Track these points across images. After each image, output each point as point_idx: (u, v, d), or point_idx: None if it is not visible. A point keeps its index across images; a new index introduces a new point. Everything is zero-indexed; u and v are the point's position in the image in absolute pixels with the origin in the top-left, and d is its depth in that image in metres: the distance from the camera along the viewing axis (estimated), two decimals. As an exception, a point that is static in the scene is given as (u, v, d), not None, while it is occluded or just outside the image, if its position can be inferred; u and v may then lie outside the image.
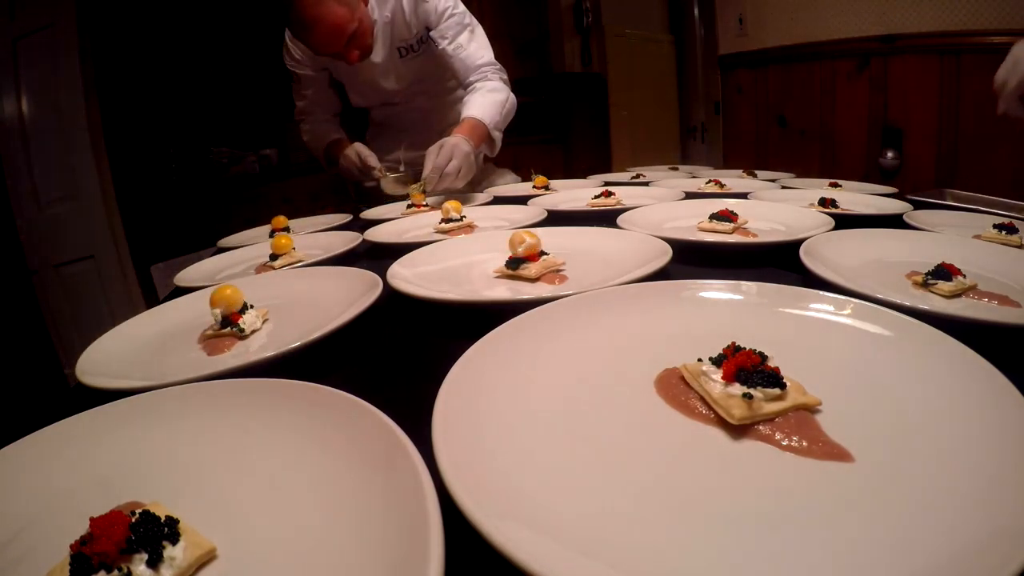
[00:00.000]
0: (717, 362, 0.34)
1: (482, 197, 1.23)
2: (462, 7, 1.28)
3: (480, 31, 1.32)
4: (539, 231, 0.63)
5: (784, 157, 2.66)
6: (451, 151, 1.12)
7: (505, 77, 1.32)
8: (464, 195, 1.24)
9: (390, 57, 1.29)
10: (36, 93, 2.14)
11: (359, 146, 1.33)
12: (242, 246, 1.00)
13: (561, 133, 3.28)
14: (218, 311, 0.53)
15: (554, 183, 1.33)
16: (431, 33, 1.26)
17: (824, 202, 0.88)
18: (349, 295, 0.56)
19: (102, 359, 0.49)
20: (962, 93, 1.96)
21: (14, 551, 0.26)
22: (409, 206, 1.13)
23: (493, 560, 0.20)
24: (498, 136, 1.27)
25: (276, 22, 1.20)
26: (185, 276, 0.82)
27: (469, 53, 1.27)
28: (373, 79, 1.33)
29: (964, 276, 0.50)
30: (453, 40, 1.26)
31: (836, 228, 0.68)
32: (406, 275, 0.61)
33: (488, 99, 1.24)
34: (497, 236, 0.74)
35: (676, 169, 1.65)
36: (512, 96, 1.31)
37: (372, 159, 1.31)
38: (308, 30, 1.06)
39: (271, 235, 1.01)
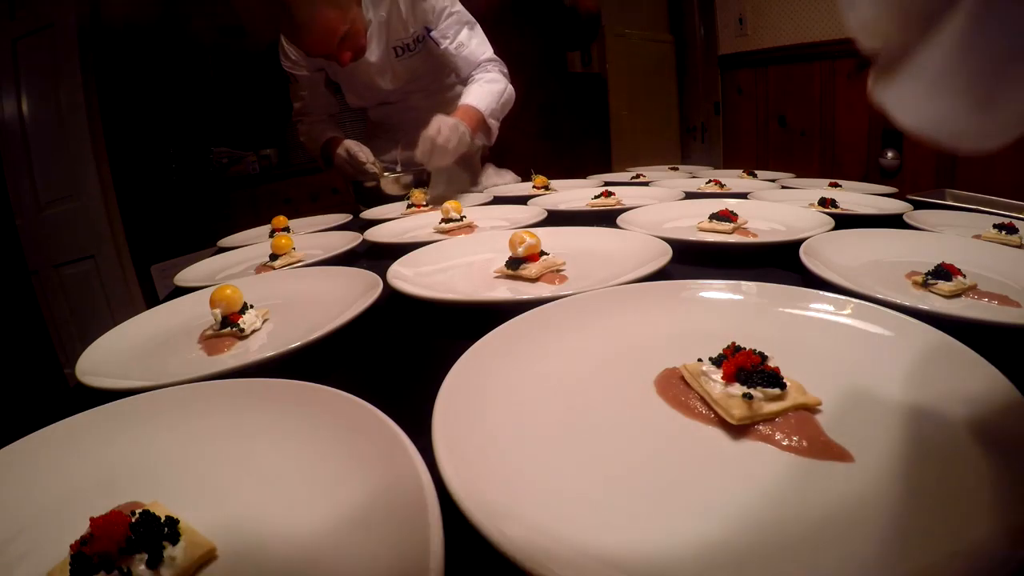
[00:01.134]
0: (717, 362, 0.34)
1: (482, 197, 1.23)
2: (459, 4, 1.28)
3: (478, 27, 1.32)
4: (539, 231, 0.63)
5: (784, 157, 2.66)
6: (439, 124, 1.12)
7: (505, 71, 1.32)
8: (463, 195, 1.24)
9: (386, 56, 1.29)
10: (36, 93, 2.14)
11: (350, 143, 1.33)
12: (242, 246, 1.00)
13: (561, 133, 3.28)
14: (218, 311, 0.53)
15: (554, 183, 1.33)
16: (432, 33, 1.26)
17: (824, 202, 0.88)
18: (349, 295, 0.56)
19: (102, 359, 0.49)
20: (962, 93, 1.96)
21: (15, 551, 0.26)
22: (409, 206, 1.13)
23: (493, 560, 0.20)
24: (494, 124, 1.27)
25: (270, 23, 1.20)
26: (185, 276, 0.82)
27: (471, 50, 1.27)
28: (369, 78, 1.33)
29: (964, 276, 0.50)
30: (455, 39, 1.26)
31: (836, 228, 0.68)
32: (406, 275, 0.61)
33: (485, 88, 1.24)
34: (497, 236, 0.74)
35: (676, 169, 1.65)
36: (511, 88, 1.31)
37: (363, 153, 1.30)
38: (299, 32, 1.06)
39: (271, 235, 1.01)
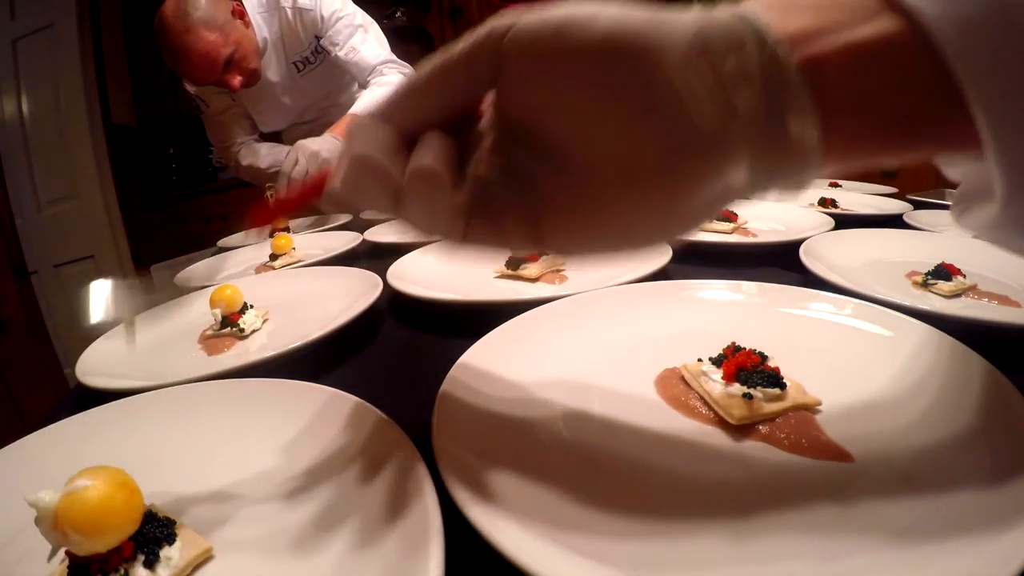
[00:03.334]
0: (717, 362, 0.34)
1: None
2: (351, 8, 1.22)
3: (374, 30, 1.26)
4: (539, 231, 0.63)
5: (784, 157, 2.65)
6: (295, 153, 1.05)
7: (407, 70, 1.26)
8: None
9: (288, 73, 1.24)
10: (36, 93, 2.14)
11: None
12: (242, 246, 1.00)
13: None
14: (218, 311, 0.53)
15: None
16: (321, 41, 1.21)
17: (824, 202, 0.88)
18: (349, 295, 0.56)
19: (102, 359, 0.49)
20: (962, 93, 1.96)
21: (14, 552, 0.26)
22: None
23: (493, 560, 0.20)
24: None
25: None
26: (185, 276, 0.82)
27: (362, 55, 1.21)
28: (275, 99, 1.27)
29: (964, 276, 0.50)
30: (344, 45, 1.20)
31: (836, 228, 0.68)
32: (406, 275, 0.61)
33: (375, 94, 1.19)
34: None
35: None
36: None
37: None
38: (179, 61, 1.02)
39: (271, 235, 1.01)
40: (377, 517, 0.24)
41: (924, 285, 0.51)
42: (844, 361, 0.36)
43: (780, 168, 0.19)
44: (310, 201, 0.26)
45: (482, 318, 0.43)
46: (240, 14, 1.09)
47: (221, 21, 1.02)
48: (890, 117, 0.19)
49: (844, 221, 0.74)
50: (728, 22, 0.18)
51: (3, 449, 0.32)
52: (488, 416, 0.31)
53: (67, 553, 0.23)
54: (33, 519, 0.22)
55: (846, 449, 0.28)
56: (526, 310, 0.43)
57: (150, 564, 0.23)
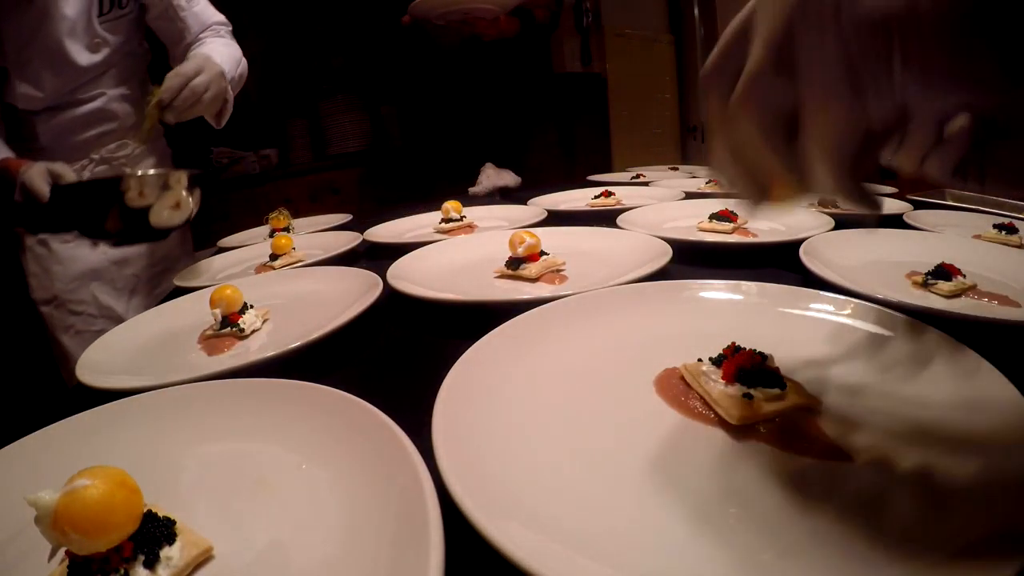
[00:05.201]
0: (717, 362, 0.34)
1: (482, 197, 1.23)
2: None
3: None
4: (539, 231, 0.63)
5: (784, 157, 2.65)
6: (202, 63, 0.90)
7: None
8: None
9: (86, 11, 0.95)
10: (36, 93, 2.13)
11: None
12: (242, 246, 1.00)
13: (562, 133, 3.28)
14: (218, 311, 0.53)
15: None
16: None
17: (824, 202, 0.88)
18: (349, 295, 0.57)
19: (102, 359, 0.49)
20: (962, 93, 1.96)
21: (14, 551, 0.26)
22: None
23: (493, 560, 0.20)
24: (231, 97, 1.03)
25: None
26: (185, 276, 0.82)
27: (202, 7, 1.07)
28: (59, 44, 0.93)
29: (964, 276, 0.50)
30: None
31: (836, 228, 0.68)
32: (406, 275, 0.61)
33: (225, 51, 1.03)
34: (497, 236, 0.74)
35: (676, 169, 1.65)
36: (244, 60, 1.10)
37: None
38: None
39: (271, 235, 1.01)
40: (377, 517, 0.24)
41: (924, 285, 0.51)
42: (844, 361, 0.36)
43: None
44: None
45: (482, 318, 0.43)
46: None
47: None
48: None
49: (844, 221, 0.74)
50: None
51: (3, 449, 0.32)
52: (488, 416, 0.31)
53: (67, 553, 0.23)
54: (33, 519, 0.22)
55: (846, 449, 0.28)
56: (526, 310, 0.43)
57: (150, 564, 0.23)
